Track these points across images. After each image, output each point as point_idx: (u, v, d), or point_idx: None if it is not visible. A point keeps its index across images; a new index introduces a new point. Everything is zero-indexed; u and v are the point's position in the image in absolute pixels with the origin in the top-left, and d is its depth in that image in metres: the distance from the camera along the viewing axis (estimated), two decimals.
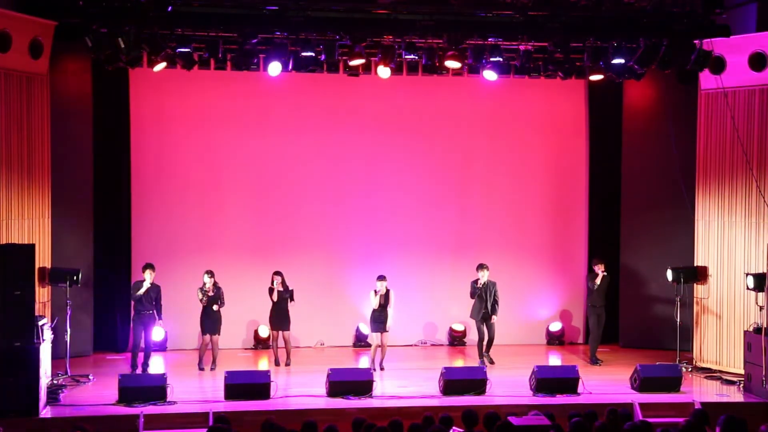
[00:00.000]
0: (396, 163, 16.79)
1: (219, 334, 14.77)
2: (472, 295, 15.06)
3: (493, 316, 15.00)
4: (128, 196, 16.08)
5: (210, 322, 14.68)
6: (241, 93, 16.30)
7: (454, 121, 16.91)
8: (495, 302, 15.05)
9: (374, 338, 14.90)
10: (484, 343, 15.16)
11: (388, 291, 14.71)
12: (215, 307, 14.64)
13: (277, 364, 14.90)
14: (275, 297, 14.84)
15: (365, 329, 16.49)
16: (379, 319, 14.71)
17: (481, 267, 15.04)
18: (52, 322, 13.66)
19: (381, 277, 14.75)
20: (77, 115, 15.44)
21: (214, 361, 14.69)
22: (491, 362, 15.02)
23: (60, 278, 14.11)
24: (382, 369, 14.56)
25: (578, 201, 17.25)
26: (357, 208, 16.72)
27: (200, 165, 16.32)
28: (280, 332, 15.01)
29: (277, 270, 14.98)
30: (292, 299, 14.96)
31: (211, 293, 14.60)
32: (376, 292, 14.70)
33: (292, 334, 15.25)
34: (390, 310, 14.67)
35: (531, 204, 17.12)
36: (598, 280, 15.18)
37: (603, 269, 15.24)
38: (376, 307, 14.69)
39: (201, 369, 14.63)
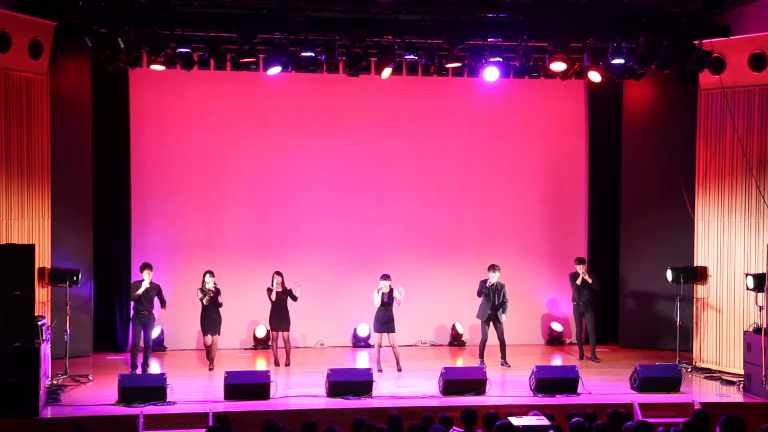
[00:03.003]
0: (395, 163, 16.80)
1: (219, 334, 14.77)
2: (479, 294, 15.04)
3: (503, 315, 14.96)
4: (128, 196, 16.08)
5: (210, 322, 14.69)
6: (241, 93, 16.31)
7: (453, 121, 16.91)
8: (503, 303, 15.01)
9: (376, 338, 14.85)
10: (487, 344, 15.12)
11: (391, 290, 14.69)
12: (220, 308, 14.67)
13: (276, 364, 14.90)
14: (273, 297, 14.85)
15: (363, 331, 16.51)
16: (382, 320, 14.68)
17: (492, 268, 14.99)
18: (51, 322, 13.67)
19: (384, 276, 14.72)
20: (77, 115, 15.45)
21: (211, 362, 14.69)
22: (508, 366, 14.94)
23: (60, 278, 14.11)
24: (399, 370, 14.57)
25: (578, 201, 17.25)
26: (356, 208, 16.72)
27: (200, 165, 16.33)
28: (280, 333, 15.03)
29: (278, 270, 14.99)
30: (294, 298, 14.94)
31: (212, 293, 14.61)
32: (379, 290, 14.68)
33: (292, 334, 15.27)
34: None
35: (531, 204, 17.13)
36: (579, 281, 15.40)
37: (584, 269, 15.43)
38: (379, 306, 14.67)
39: (211, 369, 14.63)
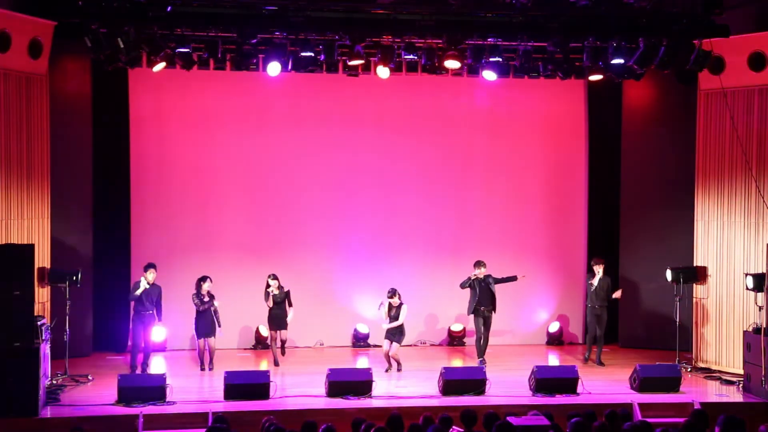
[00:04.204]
0: (395, 163, 16.79)
1: (214, 337, 14.76)
2: (462, 286, 15.07)
3: (521, 275, 15.21)
4: (128, 196, 16.08)
5: (204, 325, 14.69)
6: (241, 93, 16.31)
7: (453, 121, 16.91)
8: (506, 279, 15.16)
9: (385, 344, 14.80)
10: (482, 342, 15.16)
11: (400, 305, 14.55)
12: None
13: (276, 364, 14.90)
14: (271, 303, 14.85)
15: (363, 329, 16.54)
16: (391, 330, 14.59)
17: (477, 264, 15.04)
18: (51, 322, 13.67)
19: (389, 292, 14.62)
20: (77, 115, 15.45)
21: (210, 362, 14.70)
22: (484, 363, 14.88)
23: (60, 278, 14.11)
24: (399, 370, 14.55)
25: (578, 201, 17.25)
26: (356, 208, 16.71)
27: (200, 165, 16.32)
28: (279, 332, 15.02)
29: (272, 273, 14.96)
30: (290, 303, 14.95)
31: (206, 299, 14.62)
32: (381, 305, 14.65)
33: (292, 334, 15.27)
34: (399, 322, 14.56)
35: (530, 204, 17.12)
36: (594, 281, 15.09)
37: (602, 269, 15.13)
38: (385, 319, 14.62)
39: (202, 370, 14.65)
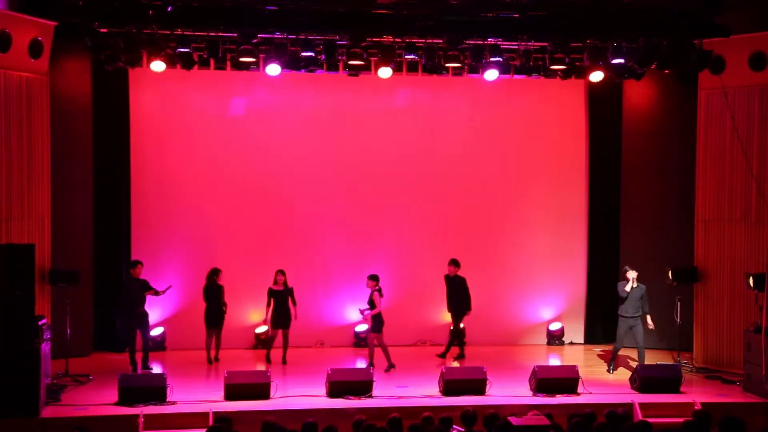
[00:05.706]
0: (395, 162, 16.79)
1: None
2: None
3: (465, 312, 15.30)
4: (128, 195, 16.08)
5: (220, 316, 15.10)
6: (241, 93, 16.32)
7: (454, 120, 16.92)
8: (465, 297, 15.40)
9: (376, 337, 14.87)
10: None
11: (373, 291, 14.59)
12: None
13: (268, 361, 14.89)
14: (272, 304, 14.89)
15: (362, 329, 16.54)
16: (381, 320, 14.70)
17: (450, 262, 15.31)
18: (51, 322, 13.65)
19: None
20: (77, 115, 15.45)
21: (217, 353, 15.02)
22: (462, 358, 15.27)
23: (60, 278, 14.13)
24: (388, 371, 14.57)
25: (578, 201, 17.25)
26: (356, 208, 16.72)
27: (200, 165, 16.31)
28: (280, 331, 15.03)
29: (281, 269, 15.00)
30: (293, 300, 14.98)
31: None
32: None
33: (292, 333, 15.25)
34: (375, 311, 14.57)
35: (531, 204, 17.12)
36: (628, 288, 14.21)
37: (635, 277, 14.18)
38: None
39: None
